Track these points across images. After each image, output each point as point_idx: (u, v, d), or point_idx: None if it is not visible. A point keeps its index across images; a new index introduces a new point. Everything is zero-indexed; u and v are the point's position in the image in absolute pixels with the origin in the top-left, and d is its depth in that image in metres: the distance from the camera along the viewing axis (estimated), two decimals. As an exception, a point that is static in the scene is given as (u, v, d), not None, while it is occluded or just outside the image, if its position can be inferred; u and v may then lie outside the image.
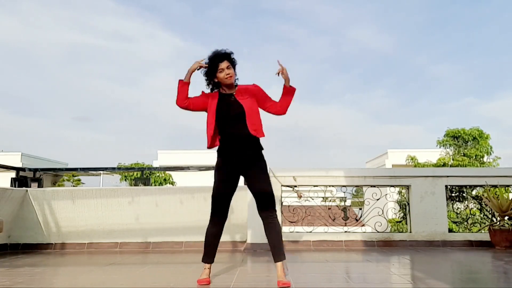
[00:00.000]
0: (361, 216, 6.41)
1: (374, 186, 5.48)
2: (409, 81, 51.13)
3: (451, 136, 17.37)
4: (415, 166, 17.03)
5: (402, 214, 8.61)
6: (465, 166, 15.65)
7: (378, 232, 5.32)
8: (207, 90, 2.97)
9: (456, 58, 50.07)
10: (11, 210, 4.97)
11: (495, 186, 5.52)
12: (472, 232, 5.58)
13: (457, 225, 8.36)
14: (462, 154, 16.76)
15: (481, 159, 16.65)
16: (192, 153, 25.24)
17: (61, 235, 5.15)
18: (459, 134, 17.13)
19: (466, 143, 17.10)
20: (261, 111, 2.94)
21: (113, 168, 8.54)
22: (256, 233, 4.96)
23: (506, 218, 5.07)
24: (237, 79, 2.95)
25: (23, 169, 6.15)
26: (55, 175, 20.38)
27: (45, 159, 23.85)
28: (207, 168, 6.97)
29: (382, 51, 49.16)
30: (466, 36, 46.46)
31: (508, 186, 5.59)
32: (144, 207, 5.16)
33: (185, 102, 2.85)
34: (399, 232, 6.93)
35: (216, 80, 2.89)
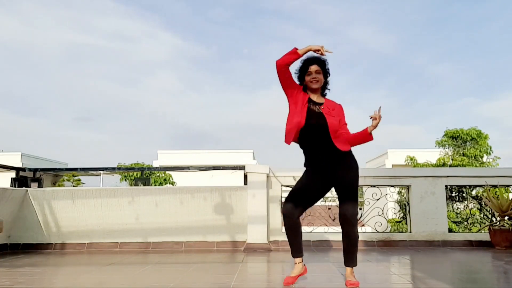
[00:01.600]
0: (361, 216, 6.42)
1: (374, 186, 5.48)
2: (409, 81, 51.13)
3: (450, 136, 17.39)
4: (414, 166, 17.05)
5: (402, 214, 8.62)
6: (465, 166, 15.66)
7: (378, 232, 5.32)
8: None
9: (456, 58, 50.07)
10: (11, 210, 4.97)
11: (495, 186, 5.52)
12: (472, 232, 5.58)
13: (457, 225, 8.37)
14: (461, 154, 16.77)
15: (481, 159, 16.66)
16: (192, 153, 25.27)
17: (61, 235, 5.15)
18: (458, 134, 17.15)
19: (465, 143, 17.11)
20: None
21: (113, 168, 8.53)
22: (256, 233, 4.96)
23: (506, 218, 5.08)
24: (327, 91, 2.95)
25: (23, 169, 6.14)
26: (55, 175, 20.38)
27: (45, 159, 23.86)
28: (207, 168, 6.97)
29: (382, 51, 49.18)
30: (466, 36, 46.49)
31: (508, 186, 5.60)
32: (144, 207, 5.17)
33: (284, 67, 2.78)
34: (399, 232, 6.93)
35: (304, 83, 2.90)
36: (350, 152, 2.86)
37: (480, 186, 5.61)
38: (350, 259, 2.81)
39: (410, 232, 5.31)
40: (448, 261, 4.10)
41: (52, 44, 46.32)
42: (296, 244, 2.85)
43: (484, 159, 16.79)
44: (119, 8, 47.99)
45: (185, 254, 4.64)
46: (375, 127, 2.75)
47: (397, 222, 11.75)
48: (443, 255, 4.48)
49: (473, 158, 16.53)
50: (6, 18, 42.01)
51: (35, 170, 6.19)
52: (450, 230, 5.49)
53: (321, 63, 2.87)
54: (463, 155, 16.73)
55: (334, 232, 5.28)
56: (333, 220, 5.47)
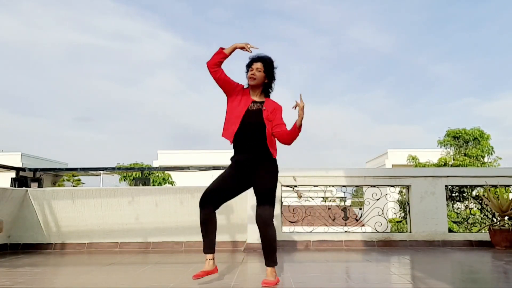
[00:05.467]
0: (361, 216, 6.42)
1: (374, 186, 5.48)
2: (409, 81, 51.13)
3: (452, 136, 17.37)
4: (416, 166, 17.04)
5: (402, 214, 8.62)
6: (466, 166, 15.65)
7: (378, 232, 5.32)
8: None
9: (456, 58, 50.08)
10: (11, 210, 4.97)
11: (495, 186, 5.51)
12: (472, 232, 5.58)
13: (457, 225, 8.37)
14: (463, 154, 16.76)
15: (482, 159, 16.65)
16: (192, 153, 25.28)
17: (61, 235, 5.15)
18: (460, 134, 17.14)
19: (467, 143, 17.10)
20: None
21: (113, 168, 8.55)
22: (256, 233, 4.94)
23: (506, 218, 5.07)
24: (270, 93, 2.96)
25: (23, 169, 6.15)
26: (55, 175, 20.40)
27: (45, 159, 23.86)
28: (207, 168, 6.98)
29: (382, 51, 49.17)
30: (466, 36, 46.50)
31: (508, 186, 5.59)
32: (144, 207, 5.16)
33: (214, 68, 2.83)
34: (399, 232, 6.93)
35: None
36: (274, 158, 2.90)
37: (480, 186, 5.61)
38: (268, 259, 2.83)
39: (410, 232, 5.30)
40: (448, 261, 4.09)
41: (53, 44, 46.34)
42: (209, 239, 2.87)
43: (486, 159, 16.79)
44: (119, 8, 48.04)
45: (185, 254, 4.64)
46: (301, 117, 2.74)
47: (397, 222, 11.76)
48: (443, 255, 4.48)
49: (474, 158, 16.52)
50: (6, 18, 42.03)
51: (35, 170, 6.19)
52: (450, 230, 5.48)
53: (267, 63, 2.87)
54: (465, 155, 16.72)
55: (334, 232, 5.27)
56: (333, 220, 5.47)
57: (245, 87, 2.97)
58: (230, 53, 2.81)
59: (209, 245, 2.88)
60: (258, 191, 2.83)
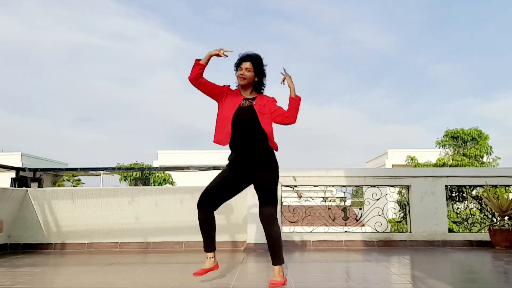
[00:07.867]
0: (361, 216, 6.42)
1: (374, 186, 5.48)
2: (409, 81, 51.21)
3: (450, 136, 17.38)
4: (415, 166, 17.04)
5: (402, 214, 8.61)
6: (465, 166, 15.65)
7: (378, 232, 5.32)
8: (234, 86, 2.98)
9: (456, 58, 50.15)
10: (11, 210, 4.96)
11: (495, 186, 5.52)
12: (472, 232, 5.58)
13: (457, 225, 8.36)
14: (462, 154, 16.77)
15: (481, 159, 16.66)
16: (192, 153, 25.26)
17: (61, 235, 5.14)
18: (458, 134, 17.15)
19: (465, 143, 17.11)
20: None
21: (113, 168, 8.55)
22: (256, 233, 4.96)
23: (506, 218, 5.07)
24: (263, 90, 2.94)
25: (23, 169, 6.14)
26: (55, 175, 20.38)
27: (45, 159, 23.86)
28: (207, 168, 6.97)
29: (382, 51, 49.21)
30: (466, 36, 46.55)
31: (508, 186, 5.59)
32: (144, 207, 5.16)
33: (196, 80, 2.83)
34: (399, 232, 6.93)
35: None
36: (274, 153, 2.89)
37: (480, 186, 5.61)
38: (274, 257, 2.82)
39: (410, 232, 5.30)
40: (448, 261, 4.10)
41: (53, 44, 46.34)
42: (208, 239, 2.89)
43: (485, 159, 16.80)
44: (119, 8, 48.07)
45: (185, 254, 4.64)
46: (292, 87, 2.81)
47: (397, 222, 11.75)
48: (443, 255, 4.48)
49: (473, 158, 16.53)
50: (6, 18, 42.02)
51: (35, 170, 6.19)
52: (450, 230, 5.49)
53: (256, 62, 2.85)
54: (464, 155, 16.73)
55: (334, 232, 5.27)
56: (333, 220, 5.47)
57: (232, 87, 2.95)
58: (207, 63, 2.80)
59: (210, 244, 2.90)
60: (259, 190, 2.82)
